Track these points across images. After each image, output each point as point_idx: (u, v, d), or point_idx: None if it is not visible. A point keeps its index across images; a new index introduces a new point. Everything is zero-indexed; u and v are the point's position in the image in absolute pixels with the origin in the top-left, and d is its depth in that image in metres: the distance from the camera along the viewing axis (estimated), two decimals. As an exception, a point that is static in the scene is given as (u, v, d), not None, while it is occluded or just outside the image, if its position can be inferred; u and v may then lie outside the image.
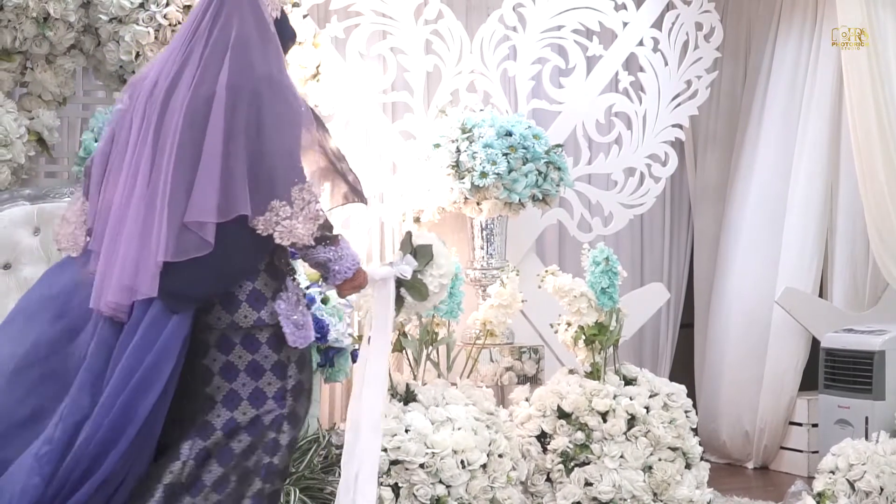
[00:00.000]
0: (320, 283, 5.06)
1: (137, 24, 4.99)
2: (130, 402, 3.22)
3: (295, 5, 5.40)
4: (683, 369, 7.20)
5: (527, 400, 5.23)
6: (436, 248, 3.85)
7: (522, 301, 5.30)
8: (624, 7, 6.21)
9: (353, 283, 3.50)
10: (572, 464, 4.99)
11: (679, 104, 6.32)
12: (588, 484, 4.96)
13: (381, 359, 3.81)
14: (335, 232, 3.41)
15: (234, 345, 3.37)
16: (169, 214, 3.27)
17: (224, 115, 3.32)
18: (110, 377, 3.25)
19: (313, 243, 3.33)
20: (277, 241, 3.29)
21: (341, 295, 3.55)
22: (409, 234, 3.86)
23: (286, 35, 3.58)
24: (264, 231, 3.28)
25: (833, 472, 5.05)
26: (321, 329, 4.85)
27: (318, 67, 5.52)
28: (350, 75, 5.72)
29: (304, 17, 5.45)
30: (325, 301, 4.97)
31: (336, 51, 5.70)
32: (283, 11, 3.56)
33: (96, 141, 4.98)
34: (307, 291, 4.93)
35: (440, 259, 3.83)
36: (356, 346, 5.18)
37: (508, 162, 5.50)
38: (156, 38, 5.01)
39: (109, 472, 3.22)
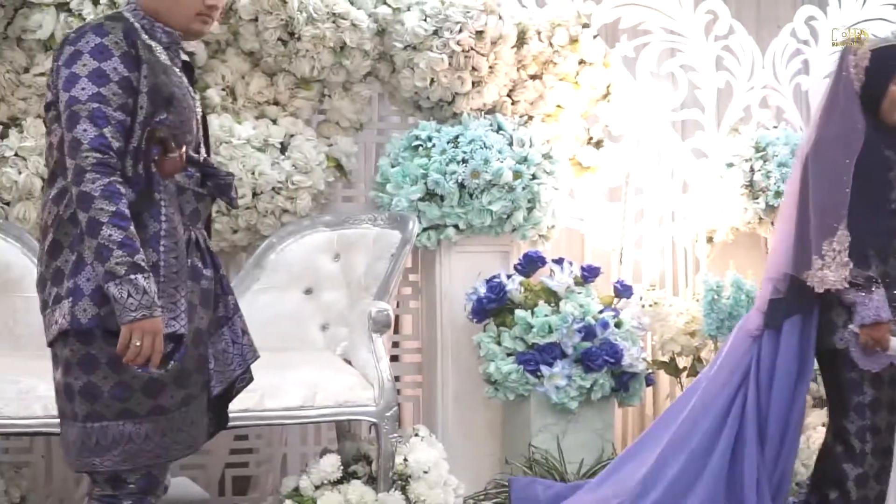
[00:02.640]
0: (613, 306, 5.05)
1: (431, 51, 5.06)
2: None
3: (585, 26, 5.39)
4: None
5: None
6: None
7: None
8: (925, 16, 5.96)
9: (873, 331, 3.90)
10: None
11: None
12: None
13: None
14: (863, 279, 3.91)
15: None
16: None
17: (794, 176, 4.13)
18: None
19: (847, 286, 3.89)
20: (816, 290, 3.94)
21: (861, 339, 3.93)
22: None
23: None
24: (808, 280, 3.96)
25: None
26: (615, 353, 4.82)
27: (608, 87, 5.50)
28: (640, 94, 5.66)
29: (595, 37, 5.43)
30: (618, 325, 4.93)
31: (626, 70, 5.66)
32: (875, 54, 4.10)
33: (392, 167, 5.09)
34: (600, 316, 4.91)
35: None
36: (650, 371, 5.15)
37: (804, 180, 5.35)
38: (450, 64, 5.07)
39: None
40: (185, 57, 3.28)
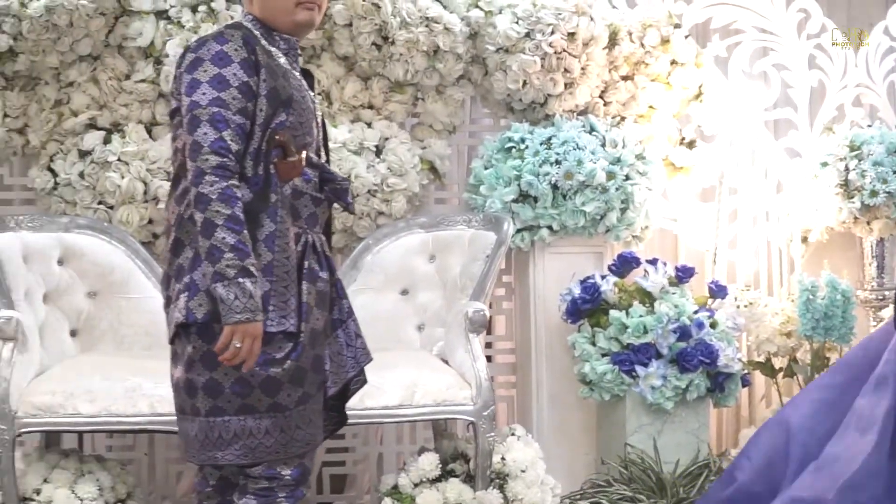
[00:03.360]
0: (707, 306, 5.03)
1: (524, 53, 5.09)
2: None
3: (676, 26, 5.39)
4: None
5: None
6: None
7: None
8: None
9: None
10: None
11: None
12: None
13: None
14: None
15: None
16: None
17: None
18: None
19: None
20: None
21: None
22: None
23: None
24: None
25: None
26: (710, 354, 4.81)
27: (700, 87, 5.50)
28: (733, 94, 5.64)
29: (686, 37, 5.43)
30: (713, 325, 4.92)
31: (718, 70, 5.65)
32: None
33: (486, 169, 5.12)
34: (695, 316, 4.90)
35: None
36: (746, 371, 5.13)
37: (900, 179, 5.32)
38: (542, 66, 5.10)
39: None
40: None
